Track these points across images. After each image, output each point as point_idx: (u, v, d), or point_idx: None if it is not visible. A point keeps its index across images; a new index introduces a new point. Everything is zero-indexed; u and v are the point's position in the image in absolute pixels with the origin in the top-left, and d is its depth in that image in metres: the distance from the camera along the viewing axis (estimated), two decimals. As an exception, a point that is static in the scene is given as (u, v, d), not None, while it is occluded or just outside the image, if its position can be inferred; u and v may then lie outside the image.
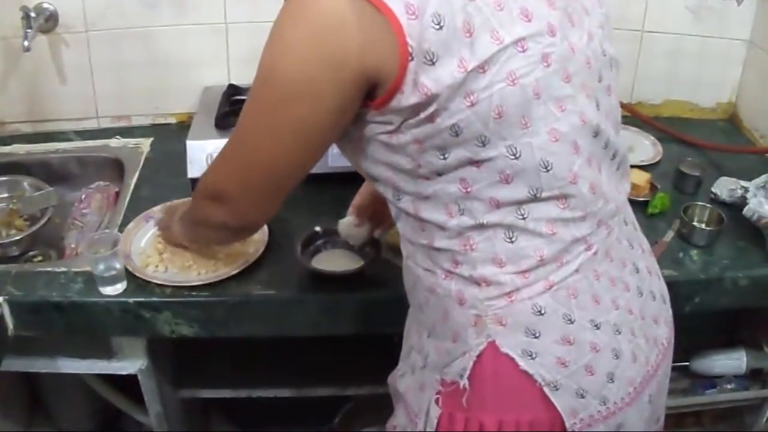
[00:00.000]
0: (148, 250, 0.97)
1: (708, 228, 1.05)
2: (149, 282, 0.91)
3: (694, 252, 1.02)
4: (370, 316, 0.94)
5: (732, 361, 1.17)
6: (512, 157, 0.58)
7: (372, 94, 0.57)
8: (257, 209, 0.66)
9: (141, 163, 1.18)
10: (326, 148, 0.61)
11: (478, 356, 0.62)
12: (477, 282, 0.62)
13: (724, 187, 1.13)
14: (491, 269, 0.61)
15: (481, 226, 0.60)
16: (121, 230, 0.99)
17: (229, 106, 1.16)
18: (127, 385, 1.05)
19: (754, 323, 1.20)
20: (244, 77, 1.26)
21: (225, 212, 0.66)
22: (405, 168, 0.60)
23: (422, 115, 0.56)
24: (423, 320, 0.68)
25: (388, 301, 0.91)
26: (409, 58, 0.53)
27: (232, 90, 1.21)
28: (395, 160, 0.60)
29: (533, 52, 0.57)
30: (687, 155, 1.23)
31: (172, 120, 1.30)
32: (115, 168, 1.20)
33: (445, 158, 0.58)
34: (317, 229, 0.96)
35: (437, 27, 0.53)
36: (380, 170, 0.63)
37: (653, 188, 1.13)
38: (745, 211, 1.03)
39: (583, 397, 0.62)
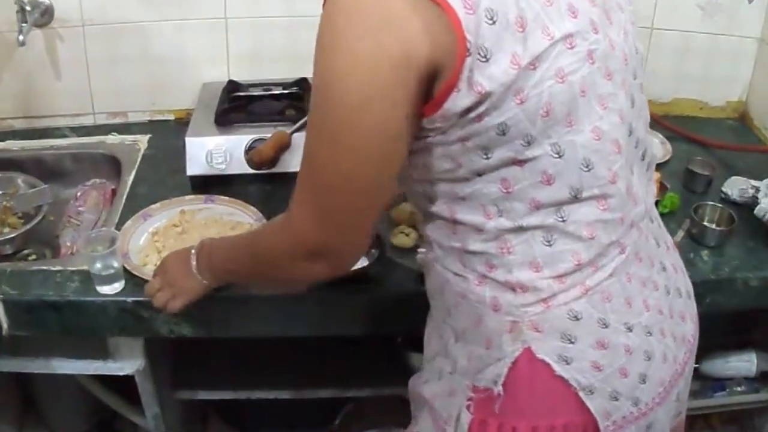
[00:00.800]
0: (146, 249, 0.96)
1: (719, 228, 1.03)
2: (148, 281, 0.89)
3: (704, 252, 1.00)
4: (373, 317, 0.93)
5: (742, 363, 1.15)
6: (556, 156, 0.57)
7: (427, 93, 0.55)
8: (358, 249, 0.62)
9: (138, 161, 1.16)
10: (402, 159, 0.58)
11: (513, 362, 0.61)
12: (513, 287, 0.61)
13: (735, 187, 1.11)
14: (528, 274, 0.61)
15: (519, 229, 0.60)
16: (118, 228, 0.98)
17: (229, 103, 1.15)
18: (124, 386, 1.04)
19: (765, 325, 1.18)
20: (244, 73, 1.24)
21: (331, 265, 0.61)
22: (443, 169, 0.59)
23: (471, 115, 0.55)
24: (451, 325, 0.67)
25: (392, 301, 0.90)
26: (467, 53, 0.52)
27: (232, 86, 1.20)
28: (433, 161, 0.59)
29: (580, 49, 0.56)
30: (697, 154, 1.21)
31: (170, 116, 1.28)
32: (112, 165, 1.18)
33: (487, 158, 0.57)
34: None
35: (490, 22, 0.52)
36: (416, 173, 0.62)
37: (663, 188, 1.11)
38: (757, 210, 1.02)
39: (616, 399, 0.62)
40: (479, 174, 0.58)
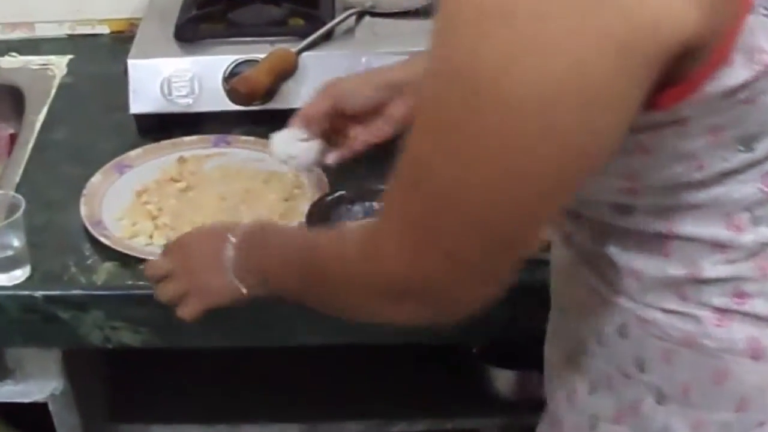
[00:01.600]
0: (132, 214, 0.81)
1: None
2: (144, 260, 0.73)
3: None
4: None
5: None
6: None
7: (670, 77, 0.43)
8: (484, 295, 0.50)
9: (52, 93, 0.98)
10: (591, 174, 0.46)
11: None
12: None
13: None
14: None
15: None
16: (20, 191, 0.80)
17: (198, 9, 0.96)
18: (32, 417, 0.86)
19: None
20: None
21: (430, 309, 0.51)
22: (672, 173, 0.48)
23: (740, 96, 0.44)
24: (647, 381, 0.55)
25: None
26: (750, 9, 0.42)
27: (203, -16, 1.04)
28: (655, 164, 0.48)
29: None
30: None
31: (104, 29, 1.09)
32: (10, 99, 1.01)
33: (749, 150, 0.47)
34: (342, 192, 0.80)
35: None
36: (612, 182, 0.50)
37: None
38: None
39: None
40: (726, 174, 0.48)
